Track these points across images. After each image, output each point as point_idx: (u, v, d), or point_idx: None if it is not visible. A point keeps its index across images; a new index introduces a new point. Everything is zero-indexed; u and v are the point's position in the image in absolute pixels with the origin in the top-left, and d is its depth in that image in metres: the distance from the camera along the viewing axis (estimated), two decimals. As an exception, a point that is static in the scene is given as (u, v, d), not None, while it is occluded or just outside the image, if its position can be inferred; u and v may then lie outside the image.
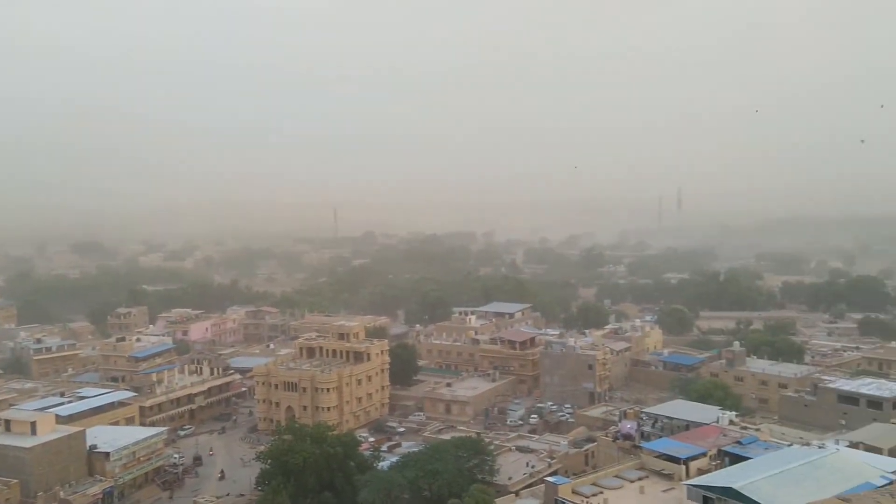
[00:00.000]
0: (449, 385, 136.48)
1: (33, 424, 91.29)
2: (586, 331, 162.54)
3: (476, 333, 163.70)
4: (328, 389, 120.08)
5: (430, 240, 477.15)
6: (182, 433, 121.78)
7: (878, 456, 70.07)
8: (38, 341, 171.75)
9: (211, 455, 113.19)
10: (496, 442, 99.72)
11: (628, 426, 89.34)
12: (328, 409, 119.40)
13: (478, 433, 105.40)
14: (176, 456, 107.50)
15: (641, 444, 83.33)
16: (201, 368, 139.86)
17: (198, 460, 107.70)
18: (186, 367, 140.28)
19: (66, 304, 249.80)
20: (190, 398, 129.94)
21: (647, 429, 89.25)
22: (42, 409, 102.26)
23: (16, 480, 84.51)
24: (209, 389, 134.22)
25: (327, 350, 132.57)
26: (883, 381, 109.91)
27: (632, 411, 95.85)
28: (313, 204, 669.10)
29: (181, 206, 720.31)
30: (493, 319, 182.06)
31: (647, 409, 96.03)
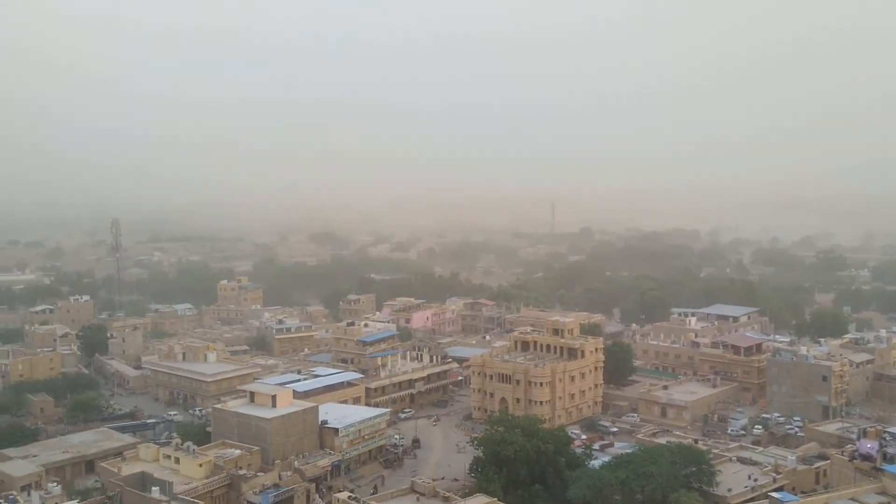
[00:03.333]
0: (665, 388, 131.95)
1: (274, 398, 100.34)
2: (821, 339, 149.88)
3: (696, 336, 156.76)
4: (541, 384, 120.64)
5: (649, 237, 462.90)
6: (403, 416, 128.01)
7: None
8: (280, 322, 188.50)
9: (435, 424, 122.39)
10: (715, 450, 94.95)
11: (868, 446, 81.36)
12: (541, 403, 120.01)
13: (695, 440, 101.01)
14: (397, 437, 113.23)
15: (883, 467, 75.69)
16: (422, 355, 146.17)
17: (416, 443, 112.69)
18: (408, 353, 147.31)
19: (304, 288, 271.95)
20: (411, 383, 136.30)
21: (890, 450, 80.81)
22: (281, 384, 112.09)
23: (257, 448, 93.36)
24: (428, 376, 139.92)
25: (541, 345, 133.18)
26: None
27: (873, 430, 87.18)
28: (531, 198, 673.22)
29: (407, 199, 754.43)
30: (716, 322, 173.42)
31: (891, 429, 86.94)
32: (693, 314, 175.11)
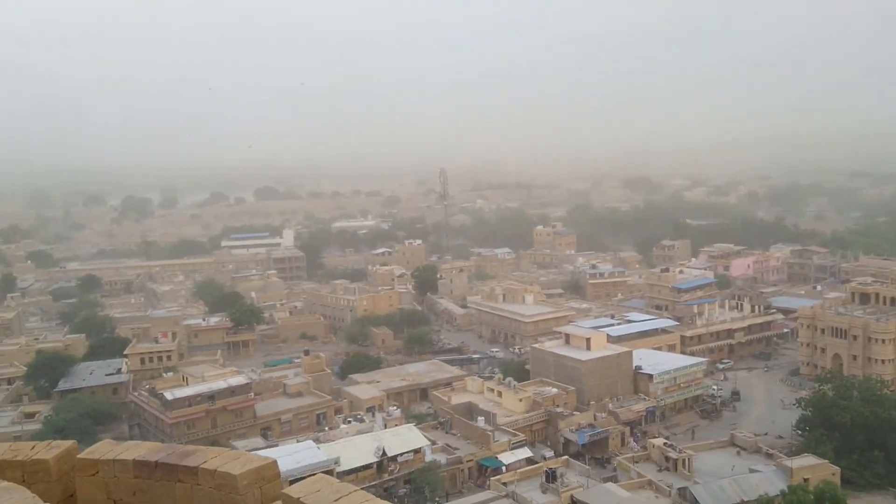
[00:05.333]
0: None
1: (588, 340, 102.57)
2: None
3: None
4: (884, 341, 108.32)
5: None
6: (721, 366, 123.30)
7: None
8: (593, 267, 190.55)
9: (766, 370, 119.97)
10: None
11: None
12: (882, 361, 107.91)
13: None
14: (714, 388, 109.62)
15: None
16: (741, 305, 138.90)
17: (735, 395, 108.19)
18: (727, 302, 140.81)
19: (617, 234, 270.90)
20: (729, 333, 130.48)
21: None
22: (595, 328, 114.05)
23: (573, 388, 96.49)
24: (749, 326, 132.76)
25: (885, 297, 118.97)
26: None
27: None
28: (875, 132, 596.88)
29: (728, 141, 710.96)
30: None
31: None
32: None
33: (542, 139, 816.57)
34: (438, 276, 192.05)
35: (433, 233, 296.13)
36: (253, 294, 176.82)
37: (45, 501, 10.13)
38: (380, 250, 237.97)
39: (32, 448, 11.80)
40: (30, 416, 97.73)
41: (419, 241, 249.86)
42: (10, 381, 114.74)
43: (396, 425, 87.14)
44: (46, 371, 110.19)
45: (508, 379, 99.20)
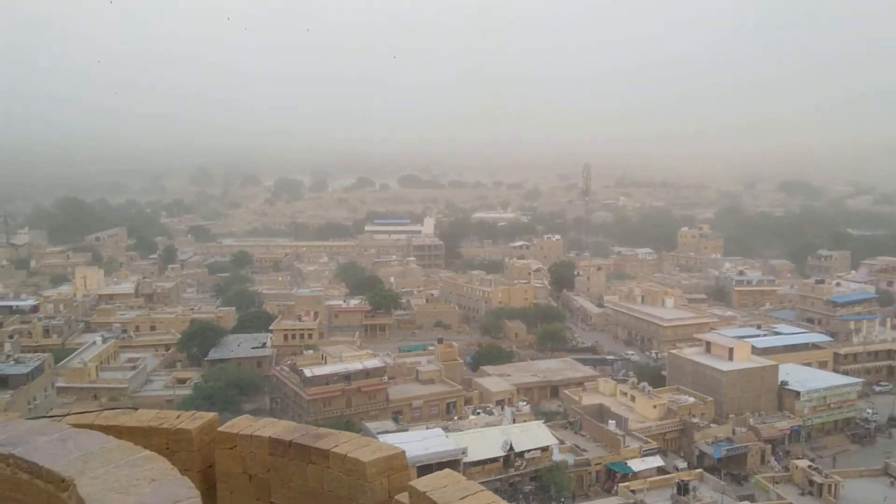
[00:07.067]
0: None
1: (731, 350, 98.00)
2: None
3: None
4: None
5: None
6: (878, 389, 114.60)
7: None
8: (741, 273, 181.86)
9: None
10: None
11: None
12: None
13: None
14: (869, 411, 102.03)
15: None
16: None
17: (893, 421, 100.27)
18: (889, 320, 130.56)
19: (768, 240, 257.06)
20: (890, 354, 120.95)
21: None
22: (739, 338, 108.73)
23: (711, 398, 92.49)
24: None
25: None
26: None
27: None
28: None
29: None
30: None
31: None
32: None
33: (689, 132, 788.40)
34: (576, 272, 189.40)
35: (573, 228, 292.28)
36: (392, 279, 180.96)
37: (186, 469, 10.46)
38: (518, 243, 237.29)
39: (177, 418, 12.27)
40: (182, 381, 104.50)
41: (558, 237, 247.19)
42: (166, 348, 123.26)
43: (525, 421, 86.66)
44: (199, 340, 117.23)
45: (643, 384, 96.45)
